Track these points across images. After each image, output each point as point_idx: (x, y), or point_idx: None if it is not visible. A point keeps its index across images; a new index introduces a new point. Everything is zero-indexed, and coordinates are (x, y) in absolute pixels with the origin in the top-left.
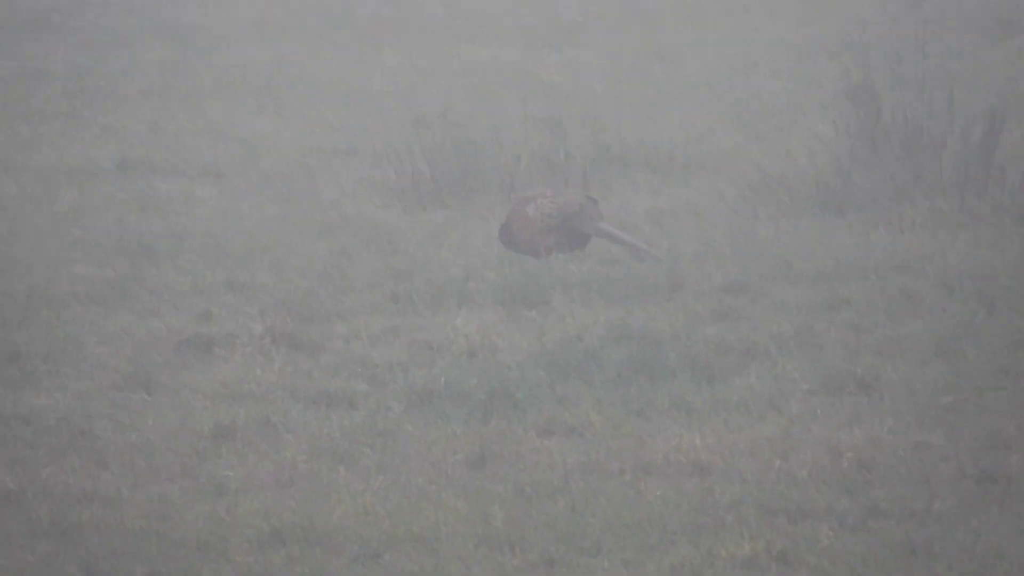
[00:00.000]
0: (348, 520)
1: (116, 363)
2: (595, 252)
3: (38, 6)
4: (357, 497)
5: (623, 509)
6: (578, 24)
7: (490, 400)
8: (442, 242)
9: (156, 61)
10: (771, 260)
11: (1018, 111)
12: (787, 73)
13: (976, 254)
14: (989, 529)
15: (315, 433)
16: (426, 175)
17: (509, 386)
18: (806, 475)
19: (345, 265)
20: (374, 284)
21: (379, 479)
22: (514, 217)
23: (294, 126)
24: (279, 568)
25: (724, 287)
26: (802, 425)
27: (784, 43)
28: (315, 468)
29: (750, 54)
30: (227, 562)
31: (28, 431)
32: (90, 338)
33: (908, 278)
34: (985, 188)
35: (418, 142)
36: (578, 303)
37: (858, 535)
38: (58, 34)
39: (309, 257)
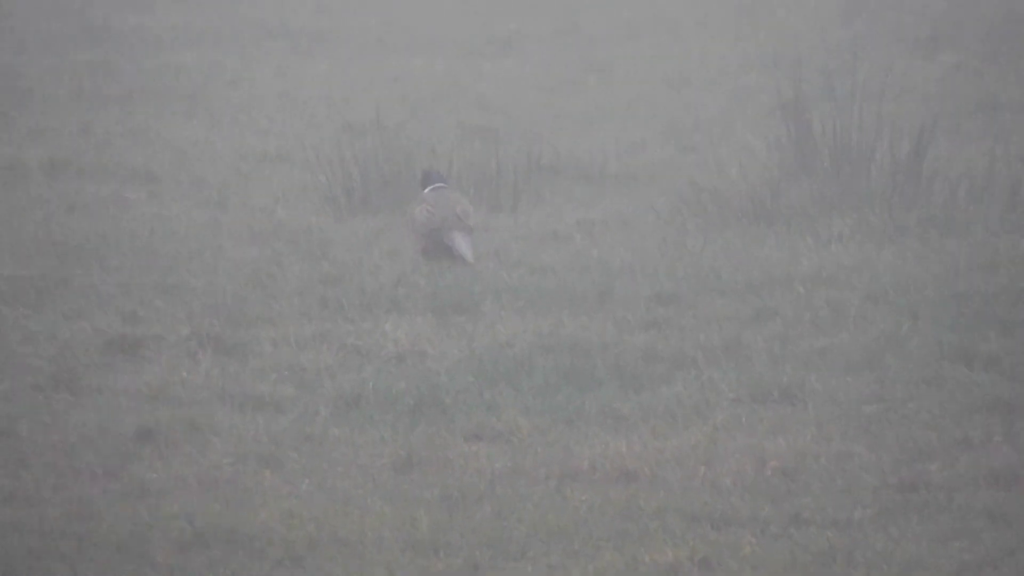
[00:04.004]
0: (272, 524)
1: (40, 363)
2: (526, 261)
3: None
4: (282, 501)
5: (548, 515)
6: (512, 36)
7: (418, 405)
8: (373, 248)
9: (86, 64)
10: (700, 271)
11: (946, 126)
12: (720, 87)
13: (902, 266)
14: (909, 537)
15: (241, 436)
16: (357, 182)
17: (437, 392)
18: (730, 483)
19: (275, 270)
20: (304, 289)
21: (305, 483)
22: (410, 216)
23: (226, 132)
24: (201, 571)
25: (653, 297)
26: (727, 434)
27: (717, 57)
28: (240, 471)
29: (683, 68)
30: (149, 564)
31: None
32: (14, 337)
33: (835, 290)
34: (912, 202)
35: (350, 149)
36: (508, 311)
37: (780, 542)
38: None
39: (239, 262)
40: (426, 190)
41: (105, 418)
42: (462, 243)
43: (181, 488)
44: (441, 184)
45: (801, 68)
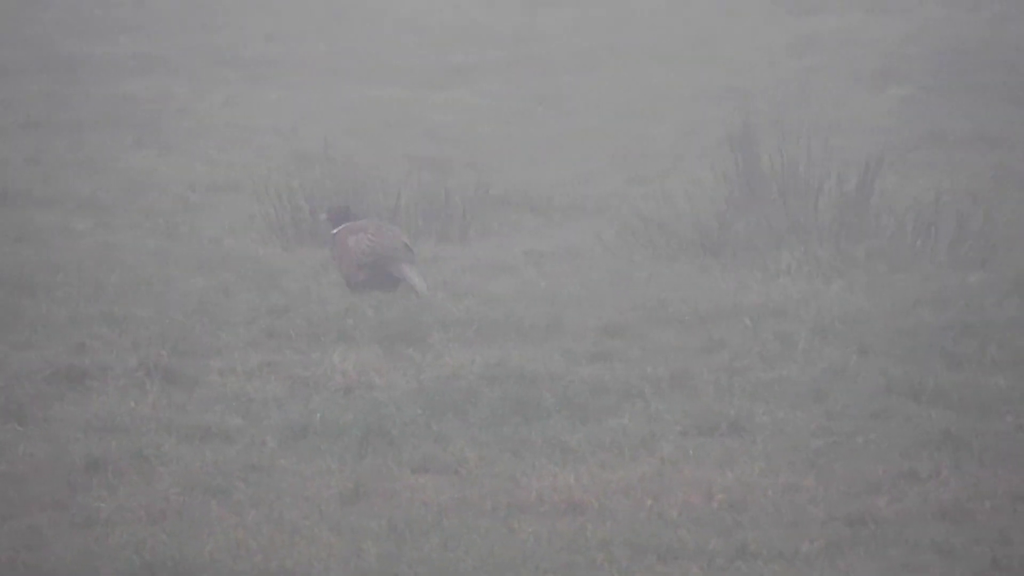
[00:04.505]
0: (220, 554)
1: None
2: (474, 292)
3: None
4: (229, 531)
5: (496, 547)
6: (465, 66)
7: (365, 436)
8: (321, 278)
9: (37, 93)
10: (648, 303)
11: (894, 159)
12: (670, 118)
13: (850, 300)
14: (856, 571)
15: (188, 467)
16: (306, 212)
17: (385, 423)
18: (677, 515)
19: (223, 300)
20: (251, 320)
21: (252, 513)
22: (338, 245)
23: (176, 161)
24: None
25: (601, 328)
26: (674, 466)
27: (668, 88)
28: (188, 501)
29: (635, 99)
30: None
31: None
32: None
33: (782, 322)
34: (860, 235)
35: (299, 179)
36: (456, 342)
37: (727, 575)
38: None
39: (187, 292)
40: (339, 228)
41: (53, 449)
42: (414, 275)
43: (129, 518)
44: (348, 223)
45: (751, 100)
